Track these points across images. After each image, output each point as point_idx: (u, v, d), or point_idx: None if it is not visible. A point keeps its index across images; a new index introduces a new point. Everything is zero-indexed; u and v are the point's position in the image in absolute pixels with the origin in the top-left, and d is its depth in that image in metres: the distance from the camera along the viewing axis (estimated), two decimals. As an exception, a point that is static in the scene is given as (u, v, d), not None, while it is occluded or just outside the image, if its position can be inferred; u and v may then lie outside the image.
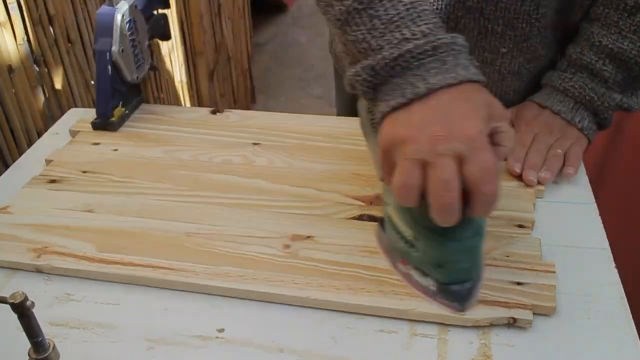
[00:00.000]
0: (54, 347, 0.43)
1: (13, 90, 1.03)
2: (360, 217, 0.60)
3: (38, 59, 1.09)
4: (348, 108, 0.88)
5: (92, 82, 1.25)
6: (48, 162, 0.71)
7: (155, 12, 0.82)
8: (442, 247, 0.47)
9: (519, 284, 0.51)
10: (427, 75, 0.44)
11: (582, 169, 0.66)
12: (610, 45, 0.64)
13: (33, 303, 0.40)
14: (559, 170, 0.63)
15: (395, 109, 0.44)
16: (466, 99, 0.43)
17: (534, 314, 0.48)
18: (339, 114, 0.94)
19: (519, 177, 0.63)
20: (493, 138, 0.44)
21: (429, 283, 0.49)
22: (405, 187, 0.42)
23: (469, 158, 0.41)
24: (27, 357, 0.42)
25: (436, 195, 0.41)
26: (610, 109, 0.66)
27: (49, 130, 0.80)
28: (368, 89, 0.47)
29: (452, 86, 0.43)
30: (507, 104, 0.72)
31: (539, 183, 0.62)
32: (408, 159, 0.42)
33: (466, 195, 0.42)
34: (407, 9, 0.45)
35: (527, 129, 0.66)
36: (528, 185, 0.62)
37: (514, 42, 0.66)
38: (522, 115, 0.68)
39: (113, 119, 0.76)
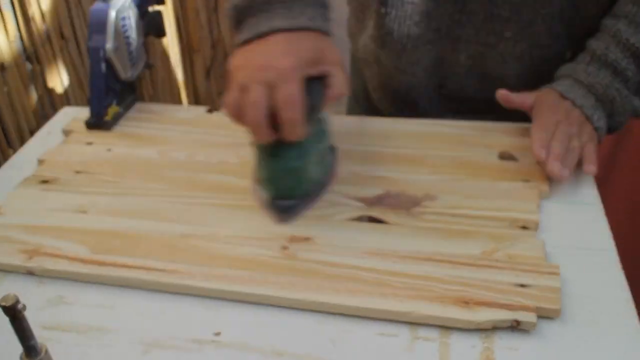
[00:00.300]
0: (47, 351, 0.42)
1: (5, 88, 1.02)
2: (359, 219, 0.59)
3: (30, 56, 1.08)
4: (359, 96, 0.88)
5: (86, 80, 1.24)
6: (40, 162, 0.71)
7: (150, 8, 0.81)
8: (269, 165, 0.56)
9: (522, 286, 0.50)
10: (273, 18, 0.52)
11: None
12: (637, 44, 0.63)
13: (25, 306, 0.39)
14: (574, 167, 0.62)
15: (244, 42, 0.53)
16: (296, 41, 0.52)
17: (538, 316, 0.47)
18: (349, 103, 0.94)
19: (524, 178, 0.63)
20: (326, 80, 0.54)
21: (265, 196, 0.58)
22: (230, 105, 0.52)
23: (277, 87, 0.50)
24: (19, 362, 0.41)
25: (247, 114, 0.50)
26: (627, 112, 0.66)
27: (41, 130, 0.80)
28: (233, 25, 0.56)
29: (290, 30, 0.52)
30: (509, 89, 0.71)
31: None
32: (236, 82, 0.51)
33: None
34: None
35: (550, 115, 0.65)
36: (549, 175, 0.61)
37: (518, 27, 0.68)
38: (544, 100, 0.67)
39: (107, 118, 0.76)
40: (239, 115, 0.52)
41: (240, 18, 0.55)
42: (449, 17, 0.69)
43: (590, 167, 0.61)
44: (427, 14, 0.69)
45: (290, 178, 0.56)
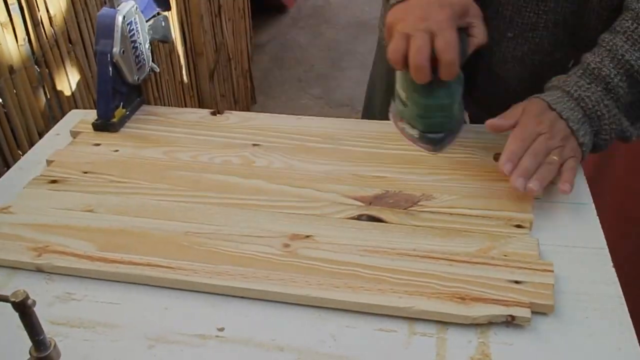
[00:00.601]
0: (55, 345, 0.43)
1: (14, 91, 1.04)
2: (358, 217, 0.60)
3: (39, 59, 1.10)
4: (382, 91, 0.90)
5: (93, 83, 1.25)
6: (49, 162, 0.72)
7: (155, 13, 0.82)
8: (423, 102, 0.63)
9: (517, 282, 0.51)
10: None
11: (580, 169, 0.66)
12: (632, 62, 0.61)
13: (34, 302, 0.40)
14: (549, 181, 0.61)
15: (397, 2, 0.61)
16: None
17: (532, 312, 0.49)
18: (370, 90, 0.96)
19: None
20: (468, 30, 0.61)
21: (414, 132, 0.65)
22: (395, 51, 0.59)
23: (437, 35, 0.57)
24: (29, 356, 0.42)
25: (412, 57, 0.58)
26: (613, 132, 0.64)
27: (50, 131, 0.81)
28: None
29: None
30: (510, 90, 0.72)
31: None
32: (398, 32, 0.59)
33: (436, 63, 0.58)
34: None
35: (533, 125, 0.63)
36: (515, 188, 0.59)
37: (520, 29, 0.69)
38: (530, 109, 0.65)
39: (114, 119, 0.77)
40: (402, 61, 0.59)
41: None
42: None
43: (566, 186, 0.59)
44: None
45: (441, 114, 0.64)
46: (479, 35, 0.61)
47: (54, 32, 1.13)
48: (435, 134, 0.65)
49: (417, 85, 0.61)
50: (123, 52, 0.74)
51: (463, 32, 0.61)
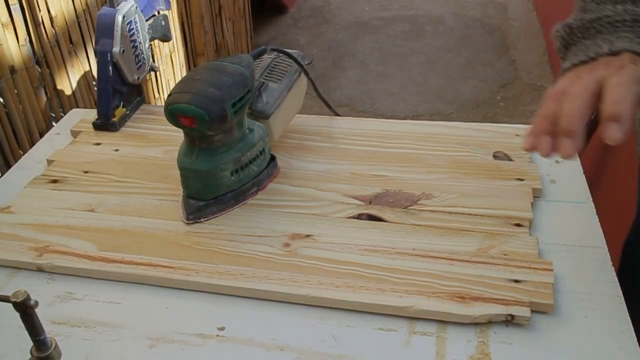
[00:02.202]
0: (56, 345, 0.43)
1: (15, 91, 1.04)
2: (359, 216, 0.60)
3: (40, 59, 1.10)
4: None
5: (94, 83, 1.25)
6: (50, 162, 0.72)
7: (156, 13, 0.82)
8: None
9: (516, 281, 0.51)
10: (615, 40, 0.47)
11: (580, 169, 0.66)
12: None
13: (37, 302, 0.40)
14: None
15: (575, 65, 0.48)
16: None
17: (531, 311, 0.49)
18: None
19: (518, 177, 0.64)
20: None
21: None
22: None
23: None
24: (30, 356, 0.43)
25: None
26: None
27: (50, 131, 0.81)
28: (561, 46, 0.52)
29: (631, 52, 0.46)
30: None
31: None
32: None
33: None
34: None
35: None
36: None
37: None
38: None
39: (114, 119, 0.77)
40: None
41: (571, 40, 0.51)
42: None
43: None
44: None
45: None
46: None
47: (55, 32, 1.13)
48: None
49: None
50: (123, 51, 0.74)
51: None
